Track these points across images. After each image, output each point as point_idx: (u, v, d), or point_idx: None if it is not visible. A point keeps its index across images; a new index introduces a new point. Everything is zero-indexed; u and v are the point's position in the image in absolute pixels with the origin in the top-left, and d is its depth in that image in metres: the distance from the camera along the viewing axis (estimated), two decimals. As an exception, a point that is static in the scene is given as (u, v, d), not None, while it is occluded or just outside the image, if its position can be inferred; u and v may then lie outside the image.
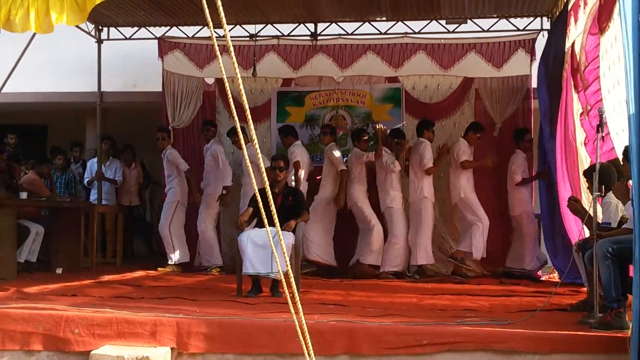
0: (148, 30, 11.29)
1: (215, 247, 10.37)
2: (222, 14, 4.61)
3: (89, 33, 11.10)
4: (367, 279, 9.45)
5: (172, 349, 5.46)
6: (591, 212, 5.88)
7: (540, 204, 9.39)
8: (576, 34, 8.26)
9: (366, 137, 10.15)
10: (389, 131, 10.12)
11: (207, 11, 4.73)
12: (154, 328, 5.50)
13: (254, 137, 4.63)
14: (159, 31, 11.30)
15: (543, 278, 9.80)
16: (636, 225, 4.67)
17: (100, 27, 11.29)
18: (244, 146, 4.83)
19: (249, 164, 4.89)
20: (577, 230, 7.51)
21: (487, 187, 10.32)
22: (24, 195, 9.44)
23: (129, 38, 11.35)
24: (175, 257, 10.34)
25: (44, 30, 6.63)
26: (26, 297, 6.86)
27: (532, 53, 10.53)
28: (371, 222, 9.87)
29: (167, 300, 6.84)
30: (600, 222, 6.05)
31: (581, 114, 8.18)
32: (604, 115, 5.83)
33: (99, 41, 11.33)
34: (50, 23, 6.58)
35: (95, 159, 11.74)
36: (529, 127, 10.43)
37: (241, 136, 4.82)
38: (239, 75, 4.62)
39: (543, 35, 10.46)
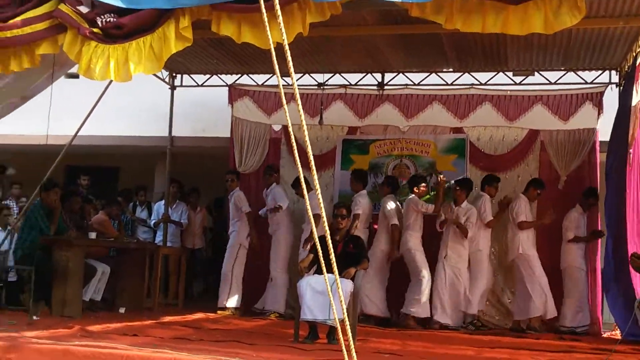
0: (219, 78, 11.58)
1: (282, 293, 10.38)
2: (291, 64, 4.76)
3: (163, 80, 11.47)
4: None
5: (227, 391, 5.52)
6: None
7: (605, 257, 9.19)
8: (646, 88, 8.17)
9: (424, 186, 10.14)
10: (452, 182, 10.11)
11: (275, 61, 4.89)
12: (211, 370, 5.57)
13: (317, 185, 4.72)
14: (229, 79, 11.58)
15: (605, 335, 9.57)
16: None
17: (174, 74, 11.64)
18: (306, 195, 4.91)
19: (310, 213, 4.95)
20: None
21: (544, 241, 10.15)
22: (93, 235, 9.71)
23: (201, 85, 11.66)
24: (231, 302, 10.45)
25: (123, 79, 6.92)
26: (89, 335, 7.01)
27: (599, 106, 10.39)
28: (421, 272, 9.77)
29: (225, 343, 6.90)
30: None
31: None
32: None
33: (172, 87, 11.67)
34: (128, 72, 6.87)
35: (163, 202, 11.98)
36: (595, 180, 10.29)
37: (303, 184, 4.92)
38: (304, 124, 4.75)
39: (611, 88, 10.37)
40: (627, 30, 8.72)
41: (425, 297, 9.75)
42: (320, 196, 4.91)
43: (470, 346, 7.73)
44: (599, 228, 9.98)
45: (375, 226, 10.32)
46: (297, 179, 10.14)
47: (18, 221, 10.12)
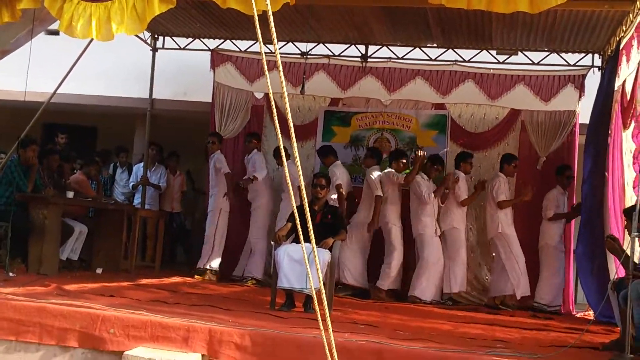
0: (202, 42, 11.50)
1: (261, 260, 10.47)
2: (274, 31, 4.73)
3: (144, 41, 11.36)
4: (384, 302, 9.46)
5: (202, 355, 5.57)
6: (628, 252, 5.86)
7: (578, 239, 9.32)
8: (627, 72, 8.22)
9: (404, 161, 10.19)
10: (427, 157, 10.15)
11: (258, 27, 4.86)
12: (187, 334, 5.60)
13: (296, 154, 4.73)
14: (212, 43, 11.51)
15: (578, 315, 9.73)
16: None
17: (156, 36, 11.54)
18: (285, 162, 4.92)
19: (289, 181, 4.96)
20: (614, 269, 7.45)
21: (523, 219, 10.25)
22: (70, 194, 9.68)
23: (184, 48, 11.57)
24: (212, 263, 10.51)
25: (104, 37, 6.86)
26: (65, 294, 7.02)
27: (581, 89, 10.48)
28: (393, 245, 9.92)
29: (201, 307, 6.94)
30: (637, 262, 6.02)
31: (634, 156, 8.13)
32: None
33: (154, 49, 11.57)
34: (110, 31, 6.81)
35: (142, 164, 11.96)
36: (572, 162, 10.39)
37: (283, 153, 4.92)
38: (285, 93, 4.73)
39: (593, 72, 10.44)
40: (612, 14, 8.75)
41: (394, 271, 9.90)
42: (299, 166, 4.91)
43: (446, 321, 7.83)
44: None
45: (358, 200, 10.36)
46: (278, 148, 10.17)
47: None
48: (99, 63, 11.77)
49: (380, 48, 11.09)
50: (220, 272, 10.60)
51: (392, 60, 11.07)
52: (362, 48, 11.12)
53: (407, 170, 10.18)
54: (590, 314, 9.24)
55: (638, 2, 7.73)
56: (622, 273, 6.39)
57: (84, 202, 10.16)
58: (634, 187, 8.00)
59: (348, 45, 11.15)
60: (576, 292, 10.29)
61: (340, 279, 9.76)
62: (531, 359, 5.49)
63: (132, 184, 12.16)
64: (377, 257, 10.18)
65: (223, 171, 10.60)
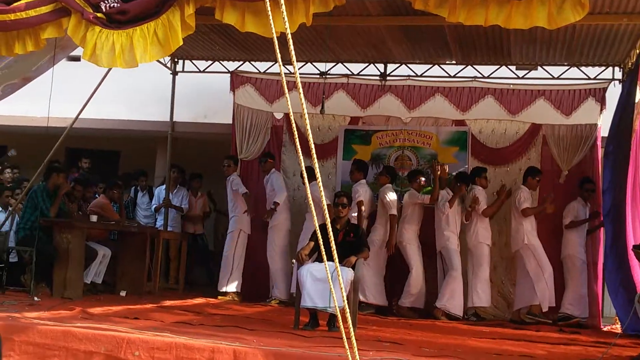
0: (221, 64, 11.58)
1: (280, 280, 10.43)
2: (293, 54, 4.78)
3: (164, 65, 11.46)
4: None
5: (227, 376, 5.56)
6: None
7: (604, 251, 9.24)
8: (648, 85, 8.19)
9: (423, 179, 10.21)
10: (453, 174, 10.13)
11: (277, 50, 4.91)
12: (212, 355, 5.59)
13: (318, 174, 4.76)
14: (232, 65, 11.59)
15: (605, 328, 9.63)
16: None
17: (176, 60, 11.64)
18: (307, 183, 4.95)
19: (311, 201, 5.00)
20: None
21: (547, 232, 10.20)
22: (94, 218, 9.75)
23: (203, 71, 11.66)
24: (231, 287, 10.51)
25: (129, 65, 6.92)
26: (90, 318, 7.06)
27: (602, 102, 10.41)
28: (411, 263, 9.93)
29: (225, 328, 6.95)
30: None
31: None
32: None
33: (174, 73, 11.67)
34: (134, 59, 6.88)
35: (164, 186, 12.02)
36: (596, 175, 10.32)
37: (304, 173, 4.95)
38: (305, 112, 4.77)
39: (614, 84, 10.38)
40: (631, 27, 8.73)
41: (415, 289, 9.89)
42: (321, 185, 4.94)
43: (471, 337, 7.77)
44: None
45: None
46: (306, 168, 10.17)
47: (18, 202, 10.13)
48: (119, 87, 11.86)
49: (399, 66, 11.10)
50: (243, 293, 10.60)
51: (411, 78, 11.08)
52: (381, 67, 11.13)
53: (428, 188, 10.17)
54: (618, 327, 9.14)
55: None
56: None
57: (107, 226, 10.22)
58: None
59: (367, 64, 11.17)
60: (603, 305, 10.18)
61: (362, 298, 9.73)
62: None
63: (154, 206, 12.21)
64: (394, 275, 10.18)
65: (241, 192, 10.61)
